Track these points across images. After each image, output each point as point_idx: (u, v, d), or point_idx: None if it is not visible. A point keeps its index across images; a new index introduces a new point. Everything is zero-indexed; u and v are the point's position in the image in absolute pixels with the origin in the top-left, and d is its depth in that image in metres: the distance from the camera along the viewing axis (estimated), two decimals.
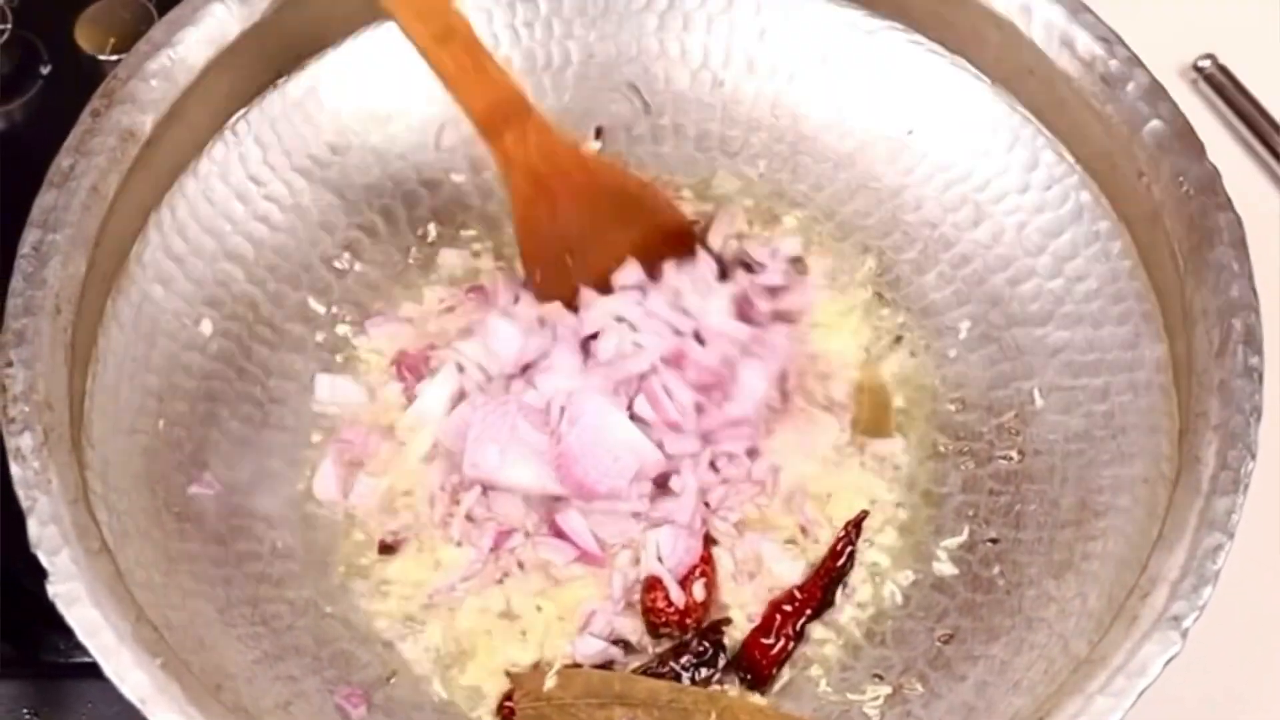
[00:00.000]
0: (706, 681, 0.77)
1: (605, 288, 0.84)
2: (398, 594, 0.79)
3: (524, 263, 0.86)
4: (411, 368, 0.85)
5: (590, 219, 0.84)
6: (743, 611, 0.79)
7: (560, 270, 0.85)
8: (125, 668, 0.66)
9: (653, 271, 0.85)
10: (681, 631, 0.78)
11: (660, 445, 0.80)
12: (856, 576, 0.80)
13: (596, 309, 0.83)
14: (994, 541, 0.80)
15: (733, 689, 0.77)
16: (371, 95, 0.89)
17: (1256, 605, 0.79)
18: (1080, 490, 0.79)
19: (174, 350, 0.82)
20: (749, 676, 0.77)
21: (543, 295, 0.85)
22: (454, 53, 0.80)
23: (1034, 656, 0.74)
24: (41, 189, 0.77)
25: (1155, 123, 0.80)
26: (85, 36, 0.96)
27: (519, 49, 0.91)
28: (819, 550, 0.80)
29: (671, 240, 0.86)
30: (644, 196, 0.86)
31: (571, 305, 0.84)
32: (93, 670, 0.67)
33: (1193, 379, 0.75)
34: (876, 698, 0.76)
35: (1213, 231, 0.76)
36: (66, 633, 0.67)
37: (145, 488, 0.77)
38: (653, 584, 0.78)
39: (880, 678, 0.77)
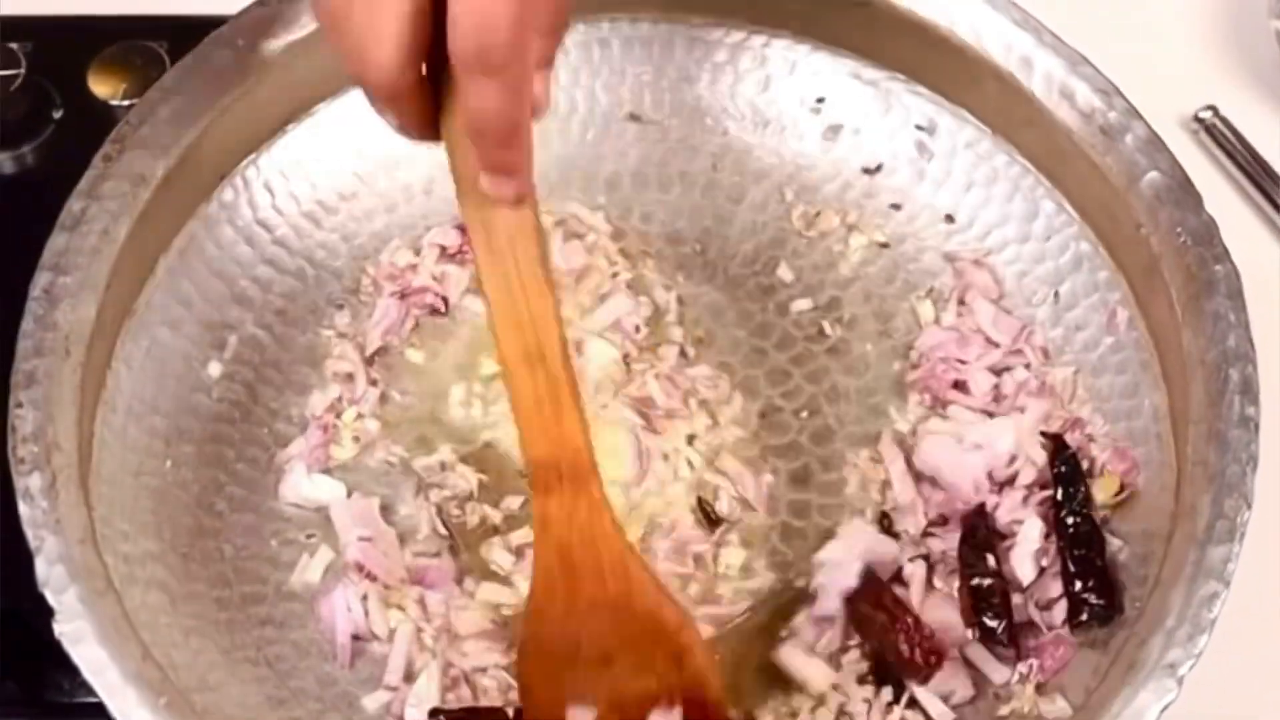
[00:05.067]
0: None
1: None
2: None
3: (518, 653, 0.73)
4: None
5: (607, 636, 0.70)
6: None
7: (554, 683, 0.71)
8: (130, 706, 0.66)
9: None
10: None
11: None
12: None
13: None
14: None
15: None
16: (379, 141, 0.88)
17: (1252, 653, 0.79)
18: None
19: (182, 393, 0.82)
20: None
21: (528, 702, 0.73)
22: (538, 381, 0.66)
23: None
24: (53, 232, 0.77)
25: (1153, 174, 0.80)
26: (98, 82, 0.97)
27: None
28: None
29: (690, 699, 0.71)
30: (678, 638, 0.71)
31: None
32: (97, 710, 0.67)
33: (1190, 428, 0.75)
34: None
35: (1210, 282, 0.77)
36: (71, 672, 0.67)
37: (152, 531, 0.77)
38: None
39: None
